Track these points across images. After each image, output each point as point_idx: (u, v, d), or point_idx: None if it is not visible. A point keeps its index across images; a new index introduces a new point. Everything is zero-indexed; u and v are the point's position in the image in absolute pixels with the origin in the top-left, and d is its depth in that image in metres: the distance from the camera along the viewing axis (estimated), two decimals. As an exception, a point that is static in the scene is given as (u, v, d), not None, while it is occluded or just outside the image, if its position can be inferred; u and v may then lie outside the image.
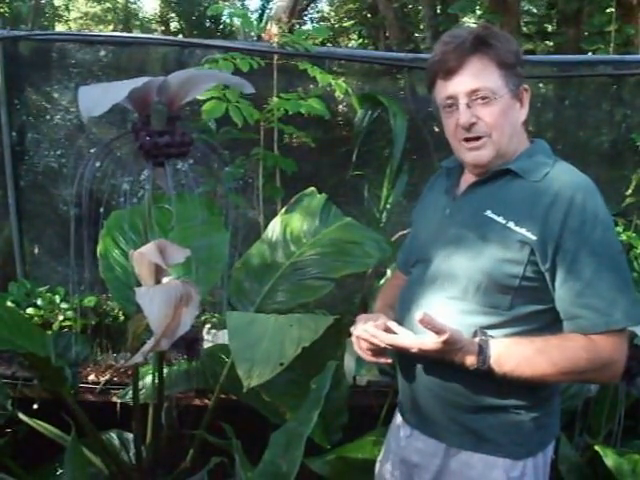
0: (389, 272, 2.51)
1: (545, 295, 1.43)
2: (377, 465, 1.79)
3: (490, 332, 1.45)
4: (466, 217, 1.50)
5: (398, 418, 1.73)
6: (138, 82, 1.29)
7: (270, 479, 1.26)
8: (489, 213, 1.45)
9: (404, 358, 1.59)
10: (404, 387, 1.66)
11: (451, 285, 1.49)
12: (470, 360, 1.41)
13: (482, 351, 1.41)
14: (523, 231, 1.40)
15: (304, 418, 1.27)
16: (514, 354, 1.41)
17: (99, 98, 1.26)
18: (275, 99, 2.90)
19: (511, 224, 1.42)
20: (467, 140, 1.48)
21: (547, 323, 1.46)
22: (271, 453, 1.30)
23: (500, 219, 1.43)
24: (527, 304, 1.44)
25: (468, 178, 1.58)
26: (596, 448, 1.87)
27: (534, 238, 1.39)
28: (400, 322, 1.55)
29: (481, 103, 1.44)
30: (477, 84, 1.44)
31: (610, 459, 1.79)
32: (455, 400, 1.52)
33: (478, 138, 1.47)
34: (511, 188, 1.47)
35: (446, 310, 1.49)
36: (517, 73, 1.47)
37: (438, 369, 1.51)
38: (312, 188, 2.51)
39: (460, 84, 1.45)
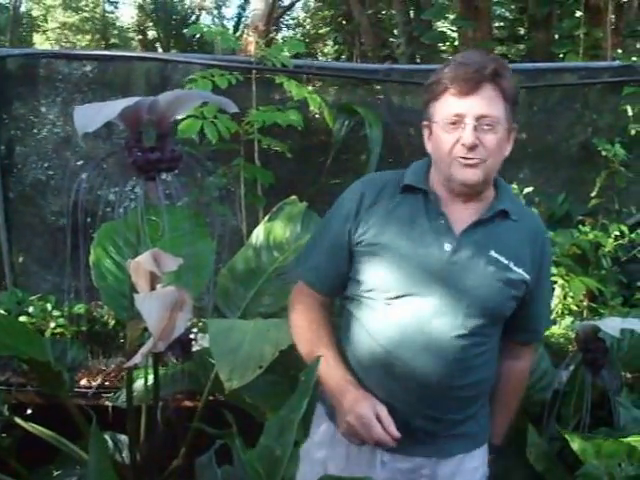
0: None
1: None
2: None
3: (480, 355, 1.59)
4: (473, 255, 1.54)
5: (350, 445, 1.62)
6: (130, 101, 1.35)
7: (265, 462, 1.36)
8: (493, 253, 1.54)
9: (397, 397, 1.58)
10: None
11: (466, 319, 1.54)
12: None
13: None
14: (521, 271, 1.56)
15: (295, 406, 1.36)
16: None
17: (93, 116, 1.31)
18: (254, 111, 3.01)
19: (512, 264, 1.55)
20: (464, 157, 1.50)
21: (496, 340, 1.66)
22: (266, 438, 1.40)
23: (503, 259, 1.54)
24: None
25: (458, 210, 1.57)
26: (563, 434, 2.00)
27: (528, 277, 1.57)
28: (402, 357, 1.56)
29: (486, 129, 1.48)
30: (488, 111, 1.48)
31: (576, 443, 1.91)
32: (450, 419, 1.62)
33: (474, 158, 1.50)
34: (504, 228, 1.58)
35: (462, 342, 1.55)
36: (515, 111, 1.54)
37: (434, 401, 1.58)
38: (293, 197, 2.60)
39: (473, 106, 1.47)
